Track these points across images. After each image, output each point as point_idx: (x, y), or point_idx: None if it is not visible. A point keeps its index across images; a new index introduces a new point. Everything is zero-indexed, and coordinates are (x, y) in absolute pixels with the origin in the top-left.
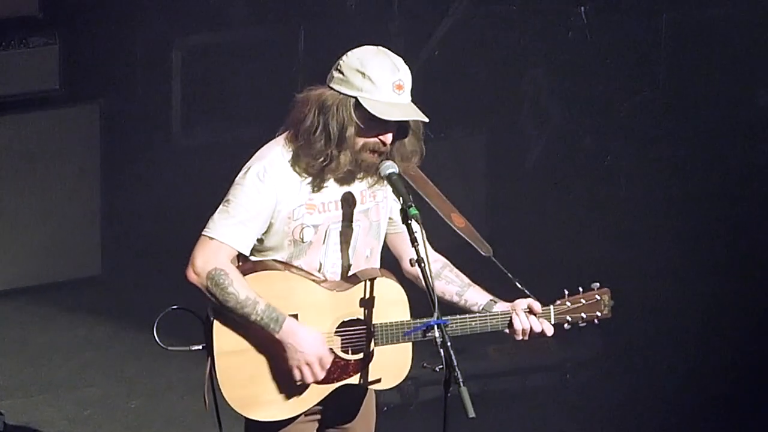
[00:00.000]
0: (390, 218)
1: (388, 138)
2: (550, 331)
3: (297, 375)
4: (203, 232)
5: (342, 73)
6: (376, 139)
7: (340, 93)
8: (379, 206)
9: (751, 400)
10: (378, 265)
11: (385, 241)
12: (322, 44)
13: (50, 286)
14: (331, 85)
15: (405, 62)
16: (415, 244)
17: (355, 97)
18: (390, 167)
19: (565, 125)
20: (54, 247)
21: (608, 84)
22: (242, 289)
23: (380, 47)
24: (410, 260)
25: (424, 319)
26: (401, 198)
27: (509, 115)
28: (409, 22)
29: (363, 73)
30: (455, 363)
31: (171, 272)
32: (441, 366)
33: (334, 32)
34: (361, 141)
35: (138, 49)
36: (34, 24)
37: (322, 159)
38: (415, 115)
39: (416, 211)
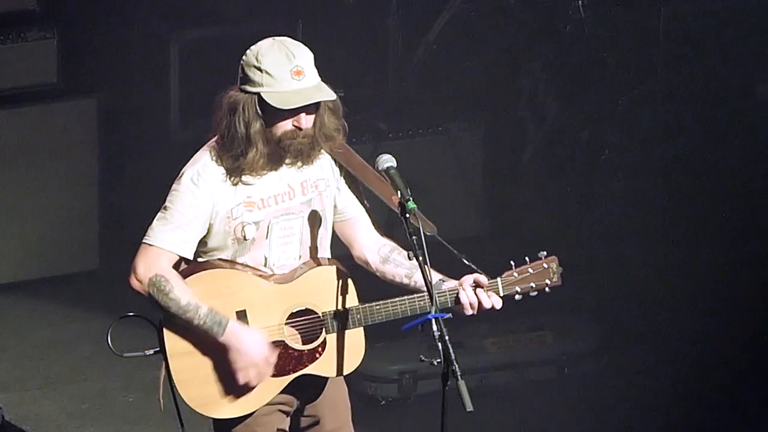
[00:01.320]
0: (335, 206)
1: (302, 122)
2: (498, 303)
3: (241, 378)
4: (143, 240)
5: (243, 72)
6: (291, 127)
7: (245, 92)
8: (322, 195)
9: (751, 393)
10: (328, 255)
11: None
12: (320, 39)
13: (48, 281)
14: (240, 86)
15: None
16: (412, 238)
17: (258, 93)
18: (387, 161)
19: (562, 119)
20: (52, 242)
21: (606, 78)
22: (184, 295)
23: (277, 38)
24: (408, 254)
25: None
26: (399, 192)
27: (506, 109)
28: (406, 16)
29: (260, 69)
30: (453, 357)
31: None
32: (439, 360)
33: (332, 27)
34: (279, 131)
35: (136, 44)
36: (31, 18)
37: (235, 156)
38: (318, 96)
39: (414, 206)
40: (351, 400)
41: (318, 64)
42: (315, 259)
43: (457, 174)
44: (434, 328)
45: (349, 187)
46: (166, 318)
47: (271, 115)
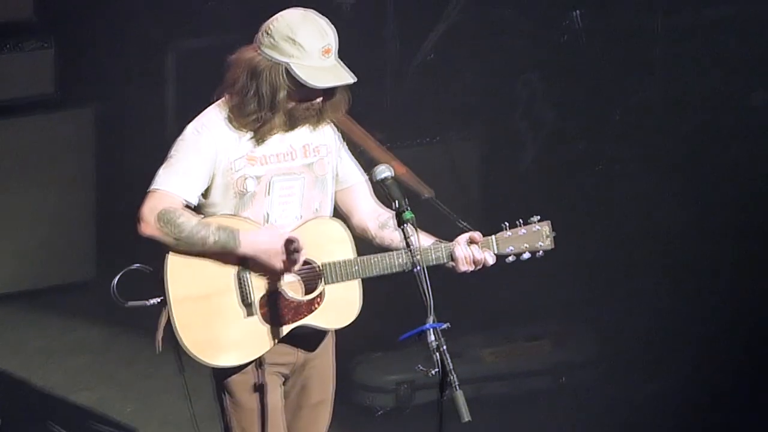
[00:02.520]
0: (336, 174)
1: (318, 99)
2: (491, 259)
3: (283, 267)
4: (149, 189)
5: (272, 38)
6: (307, 101)
7: (272, 59)
8: (323, 161)
9: (749, 402)
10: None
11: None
12: None
13: (45, 291)
14: (262, 49)
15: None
16: (409, 248)
17: (286, 64)
18: (383, 172)
19: (559, 129)
20: (49, 252)
21: (602, 87)
22: (192, 217)
23: (306, 11)
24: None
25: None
26: (396, 201)
27: (503, 118)
28: (403, 26)
29: (293, 41)
30: (450, 367)
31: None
32: (436, 370)
33: None
34: (293, 101)
35: (132, 53)
36: (28, 28)
37: (254, 120)
38: (343, 78)
39: (411, 215)
40: (347, 410)
41: None
42: (316, 217)
43: (454, 183)
44: (431, 338)
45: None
46: (171, 260)
47: (296, 86)
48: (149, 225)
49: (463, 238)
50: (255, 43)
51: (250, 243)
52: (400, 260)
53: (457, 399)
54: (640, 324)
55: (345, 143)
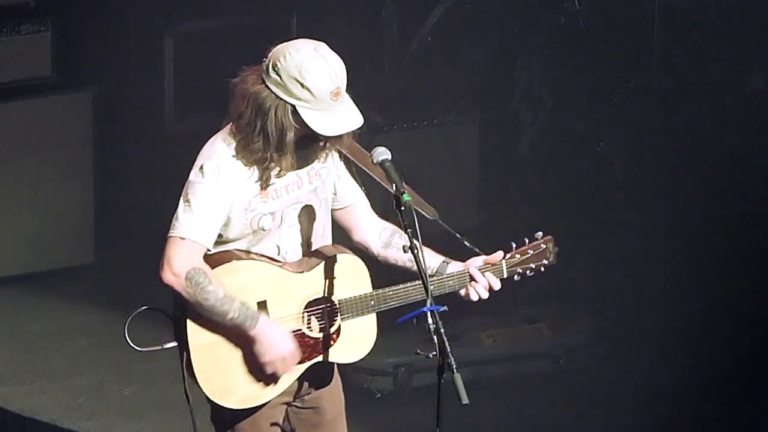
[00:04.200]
0: (335, 193)
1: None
2: (497, 285)
3: (269, 370)
4: (172, 234)
5: (279, 76)
6: (315, 141)
7: (278, 96)
8: (324, 183)
9: (748, 384)
10: (330, 241)
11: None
12: (314, 32)
13: (43, 274)
14: (267, 83)
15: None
16: (407, 231)
17: (293, 105)
18: (382, 154)
19: (557, 112)
20: (47, 235)
21: (601, 70)
22: (219, 288)
23: (317, 47)
24: (403, 247)
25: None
26: (394, 185)
27: (502, 101)
28: (401, 8)
29: (302, 84)
30: (449, 350)
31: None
32: (434, 353)
33: (327, 20)
34: (301, 141)
35: (130, 37)
36: (25, 11)
37: (261, 159)
38: (352, 123)
39: (408, 198)
40: (346, 392)
41: None
42: (327, 247)
43: (452, 166)
44: (429, 320)
45: (349, 173)
46: (191, 311)
47: (305, 127)
48: (178, 279)
49: (476, 263)
50: (261, 71)
51: (262, 333)
52: (415, 291)
53: (455, 381)
54: (638, 307)
55: (343, 160)
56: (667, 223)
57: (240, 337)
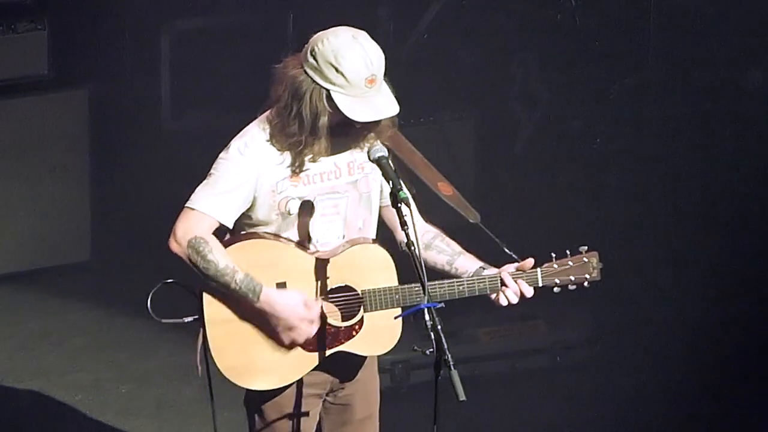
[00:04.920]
0: (381, 190)
1: (360, 126)
2: (529, 293)
3: (285, 340)
4: (186, 205)
5: (316, 60)
6: (349, 127)
7: (314, 81)
8: (368, 177)
9: (746, 382)
10: (373, 237)
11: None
12: (311, 29)
13: (40, 272)
14: (305, 67)
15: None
16: (405, 227)
17: (328, 90)
18: (379, 150)
19: (553, 109)
20: (43, 233)
21: (597, 67)
22: (222, 258)
23: (356, 34)
24: (399, 243)
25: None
26: (390, 181)
27: (498, 98)
28: (397, 5)
29: (336, 69)
30: (446, 346)
31: (160, 257)
32: (431, 349)
33: (324, 17)
34: (335, 127)
35: (126, 35)
36: (21, 9)
37: (296, 143)
38: (385, 111)
39: (406, 195)
40: None
41: None
42: (358, 238)
43: (448, 163)
44: (426, 317)
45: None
46: (205, 284)
47: (338, 112)
48: (180, 247)
49: (509, 269)
50: (301, 57)
51: (268, 303)
52: (441, 291)
53: (453, 378)
54: (635, 304)
55: (391, 158)
56: (664, 219)
57: (256, 314)
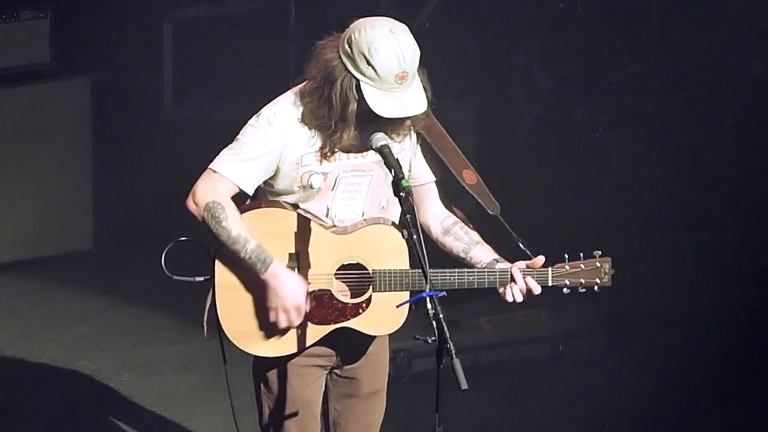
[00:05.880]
0: (410, 170)
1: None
2: (537, 290)
3: (272, 317)
4: (210, 166)
5: (351, 49)
6: (377, 118)
7: (346, 68)
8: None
9: (747, 372)
10: (396, 218)
11: None
12: (313, 17)
13: (42, 261)
14: (340, 53)
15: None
16: (407, 217)
17: (358, 80)
18: (381, 140)
19: (555, 98)
20: (45, 222)
21: (599, 56)
22: (236, 226)
23: (394, 28)
24: (402, 232)
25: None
26: (392, 170)
27: (500, 88)
28: None
29: (368, 61)
30: (447, 335)
31: (163, 246)
32: (433, 338)
33: (325, 7)
34: (363, 115)
35: (129, 23)
36: None
37: (325, 126)
38: (411, 108)
39: (408, 184)
40: None
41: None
42: (377, 217)
43: None
44: (428, 306)
45: (424, 156)
46: (218, 248)
47: (365, 102)
48: (197, 207)
49: (520, 265)
50: (339, 42)
51: (274, 277)
52: (452, 279)
53: (454, 367)
54: (637, 293)
55: (420, 143)
56: (666, 210)
57: (261, 282)
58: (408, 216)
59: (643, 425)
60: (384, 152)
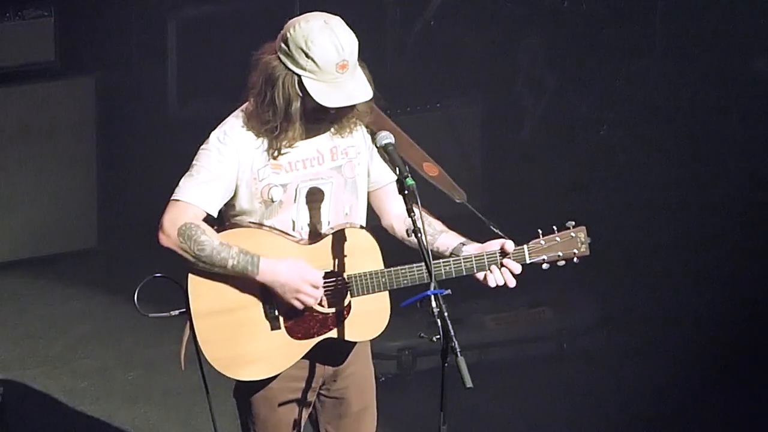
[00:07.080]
0: (369, 175)
1: (333, 111)
2: (517, 269)
3: (298, 305)
4: (171, 197)
5: (288, 46)
6: (322, 112)
7: (286, 66)
8: (352, 162)
9: (751, 369)
10: (362, 223)
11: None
12: None
13: (47, 259)
14: (278, 53)
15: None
16: (412, 215)
17: (300, 76)
18: (385, 138)
19: (560, 95)
20: (50, 220)
21: (604, 53)
22: (214, 237)
23: (328, 19)
24: (407, 231)
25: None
26: (397, 169)
27: (505, 85)
28: None
29: (307, 54)
30: (452, 333)
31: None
32: (438, 336)
33: (330, 4)
34: (308, 112)
35: (133, 22)
36: None
37: (271, 129)
38: (355, 97)
39: (412, 182)
40: None
41: None
42: (344, 224)
43: (455, 150)
44: (433, 304)
45: (381, 156)
46: (192, 276)
47: (310, 97)
48: (170, 238)
49: (493, 246)
50: (276, 43)
51: (269, 272)
52: (437, 270)
53: (459, 365)
54: (641, 291)
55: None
56: (671, 206)
57: (244, 304)
58: (413, 215)
59: (646, 422)
60: (388, 150)
